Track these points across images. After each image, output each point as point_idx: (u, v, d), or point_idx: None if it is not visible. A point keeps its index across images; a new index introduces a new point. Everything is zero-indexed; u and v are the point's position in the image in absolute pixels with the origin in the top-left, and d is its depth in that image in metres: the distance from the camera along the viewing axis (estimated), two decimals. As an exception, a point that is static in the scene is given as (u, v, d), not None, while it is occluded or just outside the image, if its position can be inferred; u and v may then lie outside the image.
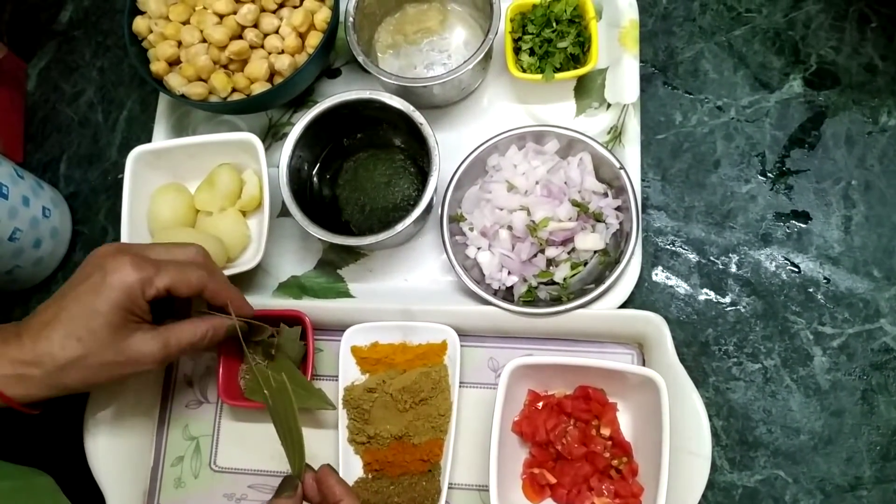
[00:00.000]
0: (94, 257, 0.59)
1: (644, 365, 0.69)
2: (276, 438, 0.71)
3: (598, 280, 0.69)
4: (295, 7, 0.75)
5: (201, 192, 0.76)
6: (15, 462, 0.64)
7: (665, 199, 0.75)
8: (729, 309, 0.72)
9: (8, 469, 0.63)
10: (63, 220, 0.82)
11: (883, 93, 0.75)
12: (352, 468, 0.69)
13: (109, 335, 0.56)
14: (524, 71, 0.75)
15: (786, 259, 0.72)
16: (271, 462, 0.72)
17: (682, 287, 0.73)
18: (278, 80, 0.74)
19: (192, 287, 0.60)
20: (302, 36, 0.74)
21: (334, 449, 0.70)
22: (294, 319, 0.71)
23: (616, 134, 0.74)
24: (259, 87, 0.74)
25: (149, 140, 0.83)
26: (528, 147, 0.73)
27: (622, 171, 0.70)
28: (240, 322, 0.65)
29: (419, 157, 0.77)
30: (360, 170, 0.78)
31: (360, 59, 0.73)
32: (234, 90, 0.74)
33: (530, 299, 0.71)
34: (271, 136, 0.82)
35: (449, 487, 0.67)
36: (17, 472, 0.63)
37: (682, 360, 0.66)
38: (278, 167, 0.72)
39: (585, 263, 0.72)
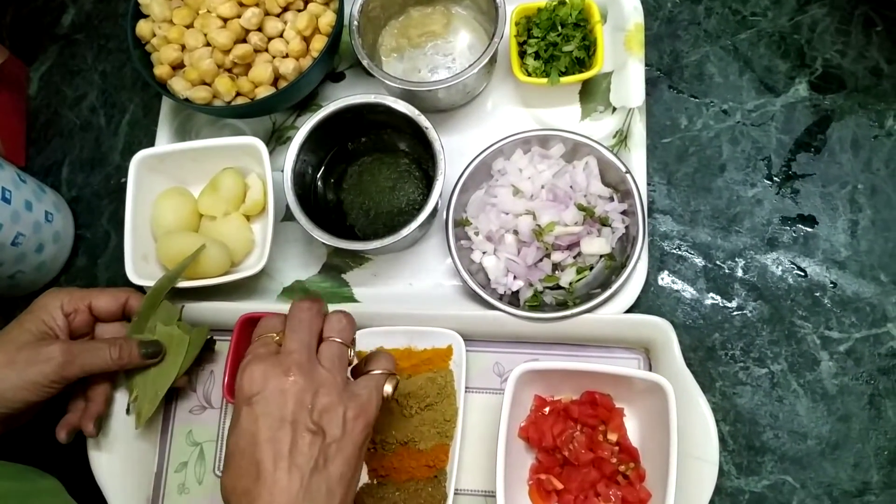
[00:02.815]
0: None
1: (650, 370, 0.69)
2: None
3: (605, 284, 0.69)
4: (299, 11, 0.74)
5: (205, 196, 0.76)
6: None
7: (671, 204, 0.75)
8: (735, 313, 0.72)
9: (14, 470, 0.62)
10: (66, 224, 0.82)
11: (889, 97, 0.75)
12: (357, 474, 0.69)
13: (24, 343, 0.62)
14: (529, 75, 0.75)
15: (792, 263, 0.72)
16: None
17: (688, 291, 0.73)
18: (282, 83, 0.74)
19: (113, 297, 0.67)
20: (306, 40, 0.74)
21: (339, 455, 0.69)
22: None
23: (622, 138, 0.74)
24: (263, 91, 0.73)
25: (151, 144, 0.83)
26: (533, 151, 0.73)
27: (628, 175, 0.70)
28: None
29: (424, 161, 0.76)
30: (364, 174, 0.78)
31: (365, 62, 0.73)
32: (237, 94, 0.74)
33: (536, 304, 0.70)
34: (275, 139, 0.82)
35: (455, 493, 0.66)
36: (22, 474, 0.63)
37: (689, 365, 0.66)
38: (282, 171, 0.72)
39: (591, 268, 0.72)
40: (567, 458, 0.65)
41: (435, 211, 0.70)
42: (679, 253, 0.74)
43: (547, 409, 0.67)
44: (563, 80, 0.73)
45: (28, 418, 0.65)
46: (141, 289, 0.75)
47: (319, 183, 0.78)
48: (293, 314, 0.56)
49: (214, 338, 0.73)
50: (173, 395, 0.75)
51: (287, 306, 0.72)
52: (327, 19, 0.74)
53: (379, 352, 0.59)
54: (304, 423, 0.51)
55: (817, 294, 0.71)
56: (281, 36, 0.74)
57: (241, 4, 0.73)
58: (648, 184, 0.74)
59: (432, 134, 0.70)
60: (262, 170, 0.73)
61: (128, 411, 0.69)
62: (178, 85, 0.73)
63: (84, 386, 0.67)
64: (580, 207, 0.69)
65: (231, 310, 0.72)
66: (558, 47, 0.74)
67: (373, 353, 0.59)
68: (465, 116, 0.79)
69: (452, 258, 0.70)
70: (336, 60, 0.83)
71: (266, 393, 0.51)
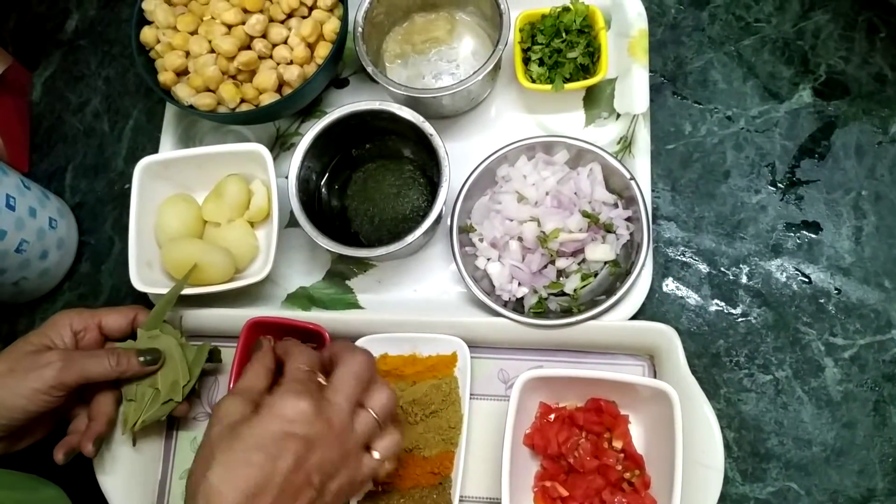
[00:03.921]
0: None
1: (655, 377, 0.69)
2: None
3: (609, 291, 0.69)
4: (304, 17, 0.75)
5: (209, 202, 0.76)
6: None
7: (675, 210, 0.75)
8: (740, 320, 0.72)
9: (16, 479, 0.63)
10: (69, 230, 0.82)
11: (893, 103, 0.75)
12: (362, 481, 0.69)
13: (26, 353, 0.62)
14: (533, 81, 0.75)
15: (796, 270, 0.72)
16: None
17: (692, 298, 0.73)
18: (287, 90, 0.74)
19: (122, 314, 0.68)
20: (311, 46, 0.74)
21: (344, 462, 0.69)
22: (314, 333, 0.70)
23: (626, 144, 0.74)
24: (268, 98, 0.73)
25: (155, 150, 0.83)
26: (537, 157, 0.73)
27: (632, 182, 0.70)
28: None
29: (428, 167, 0.76)
30: (369, 180, 0.78)
31: (370, 69, 0.73)
32: (242, 100, 0.74)
33: (540, 311, 0.70)
34: (279, 146, 0.82)
35: (460, 501, 0.66)
36: (27, 483, 0.63)
37: (694, 372, 0.66)
38: (287, 178, 0.72)
39: (596, 274, 0.72)
40: (572, 465, 0.65)
41: (439, 217, 0.70)
42: (683, 259, 0.74)
43: (552, 416, 0.67)
44: (568, 86, 0.74)
45: (32, 441, 0.65)
46: (145, 296, 0.75)
47: (324, 189, 0.78)
48: (355, 362, 0.55)
49: (219, 347, 0.73)
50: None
51: (293, 313, 0.73)
52: (332, 26, 0.74)
53: (395, 429, 0.57)
54: (315, 480, 0.51)
55: (822, 300, 0.71)
56: (285, 42, 0.74)
57: (246, 11, 0.73)
58: (653, 190, 0.74)
59: (436, 140, 0.70)
60: (267, 176, 0.73)
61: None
62: (183, 91, 0.74)
63: (87, 407, 0.67)
64: (585, 214, 0.69)
65: (235, 316, 0.72)
66: (562, 54, 0.75)
67: (389, 428, 0.57)
68: (469, 123, 0.79)
69: (457, 265, 0.70)
70: (340, 67, 0.83)
71: (305, 433, 0.51)
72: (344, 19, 0.74)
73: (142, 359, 0.65)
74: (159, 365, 0.66)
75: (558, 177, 0.71)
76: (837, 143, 0.75)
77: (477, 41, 0.81)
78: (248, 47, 0.74)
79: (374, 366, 0.57)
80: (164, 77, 0.74)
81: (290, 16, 0.74)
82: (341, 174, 0.79)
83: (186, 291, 0.70)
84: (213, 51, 0.73)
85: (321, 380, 0.55)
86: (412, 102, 0.73)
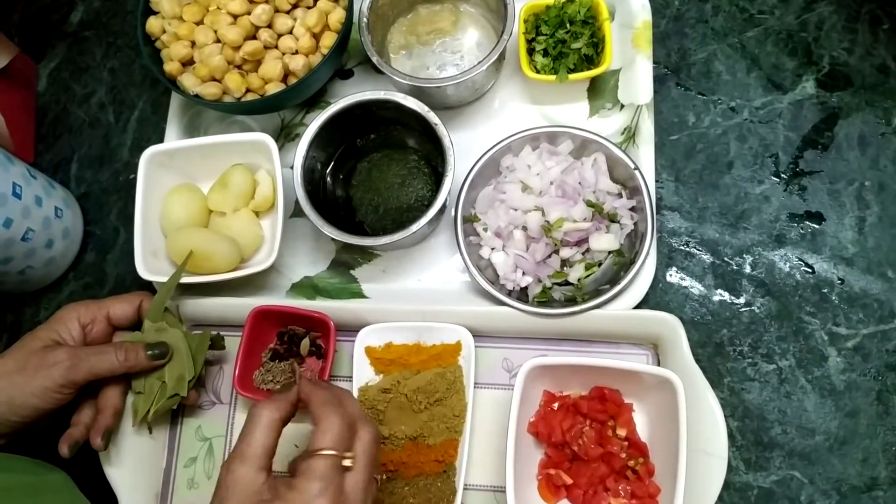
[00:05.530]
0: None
1: (659, 365, 0.69)
2: (288, 438, 0.72)
3: (613, 281, 0.69)
4: (309, 8, 0.75)
5: (214, 192, 0.76)
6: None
7: (679, 200, 0.75)
8: (743, 310, 0.72)
9: (23, 463, 0.63)
10: (75, 220, 0.82)
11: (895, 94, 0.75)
12: (366, 469, 0.69)
13: (34, 350, 0.63)
14: (538, 72, 0.75)
15: (800, 260, 0.72)
16: (285, 462, 0.72)
17: (696, 288, 0.73)
18: (292, 80, 0.74)
19: (128, 302, 0.68)
20: (316, 36, 0.74)
21: (349, 450, 0.69)
22: (318, 322, 0.71)
23: (630, 135, 0.75)
24: (273, 88, 0.74)
25: (160, 141, 0.83)
26: (541, 147, 0.73)
27: (637, 172, 0.70)
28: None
29: (433, 157, 0.77)
30: (373, 170, 0.78)
31: (375, 59, 0.73)
32: (247, 90, 0.74)
33: (545, 300, 0.71)
34: (283, 136, 0.82)
35: (464, 488, 0.66)
36: (32, 467, 0.63)
37: (697, 361, 0.66)
38: (292, 167, 0.72)
39: (600, 264, 0.72)
40: (576, 453, 0.65)
41: (444, 207, 0.70)
42: (687, 249, 0.74)
43: (556, 405, 0.68)
44: (572, 77, 0.74)
45: (45, 424, 0.66)
46: (150, 285, 0.75)
47: (328, 179, 0.78)
48: (370, 444, 0.53)
49: (222, 334, 0.73)
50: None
51: (298, 302, 0.73)
52: (337, 16, 0.74)
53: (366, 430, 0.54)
54: None
55: (825, 290, 0.71)
56: (291, 32, 0.74)
57: (252, 1, 0.74)
58: (656, 180, 0.74)
59: (441, 130, 0.71)
60: (272, 166, 0.74)
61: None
62: (188, 81, 0.74)
63: (93, 399, 0.67)
64: (589, 204, 0.70)
65: (240, 305, 0.73)
66: (567, 44, 0.75)
67: (319, 425, 0.52)
68: (473, 113, 0.80)
69: (461, 254, 0.71)
70: (345, 58, 0.83)
71: None
72: (349, 10, 0.74)
73: (150, 353, 0.65)
74: (167, 359, 0.67)
75: (562, 167, 0.72)
76: (841, 133, 0.75)
77: (481, 32, 0.81)
78: (254, 37, 0.74)
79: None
80: (170, 67, 0.74)
81: (295, 6, 0.75)
82: (346, 164, 0.79)
83: (192, 280, 0.71)
84: (218, 41, 0.73)
85: (347, 462, 0.51)
86: (417, 92, 0.73)
